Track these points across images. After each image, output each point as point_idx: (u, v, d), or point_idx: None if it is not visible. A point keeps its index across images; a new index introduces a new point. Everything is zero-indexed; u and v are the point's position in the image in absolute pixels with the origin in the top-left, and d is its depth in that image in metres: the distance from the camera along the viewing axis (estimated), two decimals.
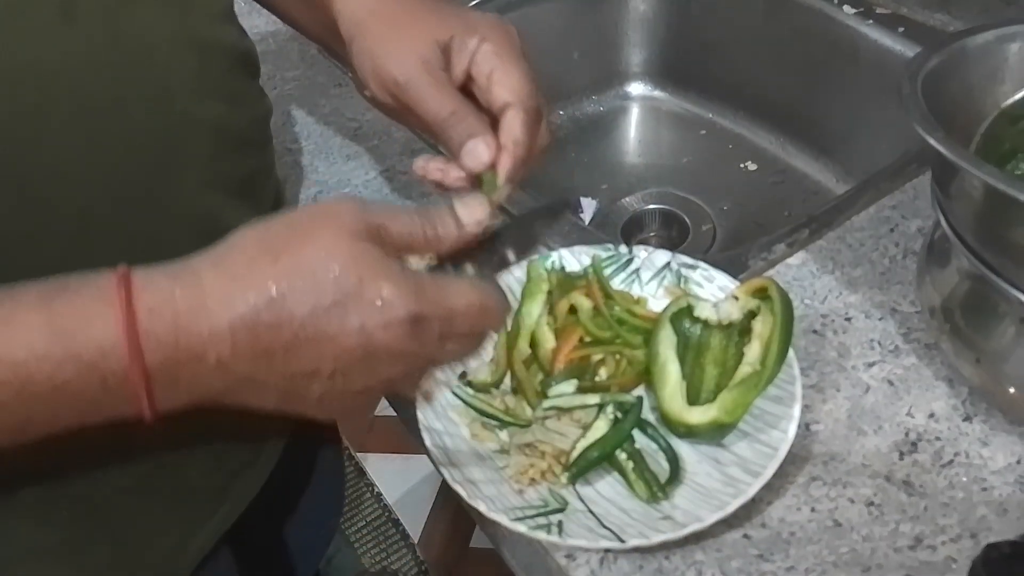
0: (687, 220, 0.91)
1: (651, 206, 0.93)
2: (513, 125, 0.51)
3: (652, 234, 0.93)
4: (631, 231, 0.92)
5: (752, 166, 0.95)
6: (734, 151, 0.97)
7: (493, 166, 0.50)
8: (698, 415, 0.50)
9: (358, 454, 1.58)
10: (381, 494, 1.55)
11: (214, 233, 0.54)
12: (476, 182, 0.51)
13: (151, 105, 0.48)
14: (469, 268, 0.45)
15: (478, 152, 0.50)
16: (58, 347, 0.37)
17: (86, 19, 0.45)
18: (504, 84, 0.52)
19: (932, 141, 0.45)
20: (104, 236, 0.48)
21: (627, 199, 0.94)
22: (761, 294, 0.54)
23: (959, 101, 0.52)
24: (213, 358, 0.38)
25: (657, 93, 1.03)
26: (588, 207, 0.93)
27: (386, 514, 1.51)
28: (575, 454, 0.51)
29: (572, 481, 0.51)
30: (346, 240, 0.39)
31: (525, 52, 0.54)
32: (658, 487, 0.49)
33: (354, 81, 0.61)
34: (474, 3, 0.94)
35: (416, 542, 1.46)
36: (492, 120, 0.53)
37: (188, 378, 0.39)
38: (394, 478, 1.55)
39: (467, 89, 0.54)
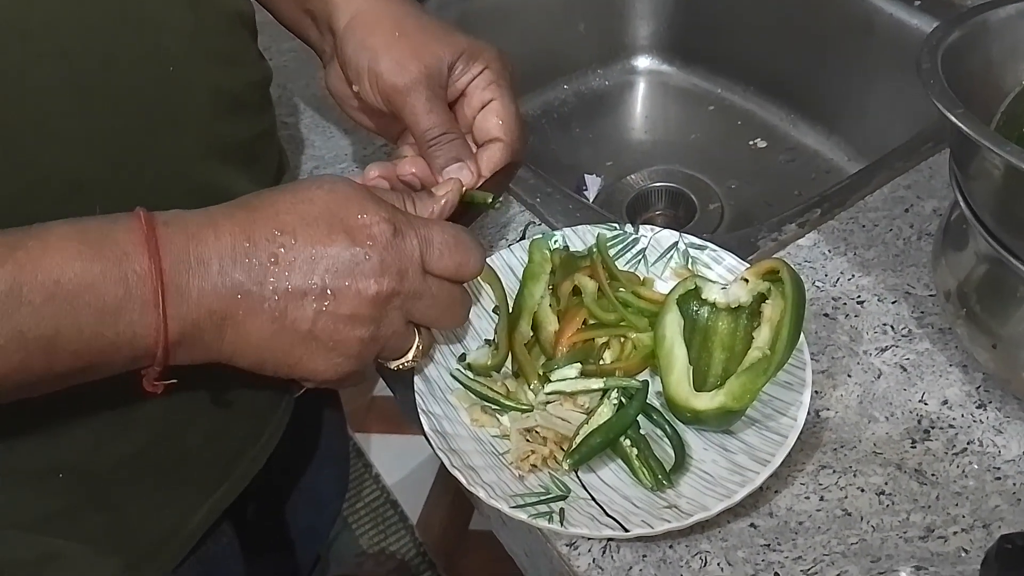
0: (694, 199, 0.89)
1: (657, 184, 0.91)
2: (496, 160, 0.55)
3: (658, 213, 0.91)
4: (636, 209, 0.90)
5: (762, 143, 0.93)
6: (743, 128, 0.95)
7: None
8: (705, 401, 0.49)
9: (357, 434, 1.58)
10: (380, 476, 1.54)
11: (213, 199, 0.53)
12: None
13: (144, 65, 0.47)
14: None
15: (463, 176, 0.54)
16: (87, 250, 0.39)
17: None
18: (498, 118, 0.56)
19: (952, 118, 0.43)
20: (98, 201, 0.47)
21: (632, 176, 0.92)
22: (772, 276, 0.52)
23: (979, 77, 0.50)
24: (216, 265, 0.41)
25: (665, 67, 1.00)
26: (592, 184, 0.91)
27: (384, 495, 1.51)
28: (577, 440, 0.49)
29: (574, 468, 0.49)
30: (339, 182, 0.45)
31: (516, 87, 0.57)
32: (663, 475, 0.48)
33: (328, 76, 0.60)
34: None
35: (415, 524, 1.46)
36: (474, 138, 0.57)
37: (196, 288, 0.41)
38: (393, 459, 1.54)
39: (453, 103, 0.57)
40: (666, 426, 0.51)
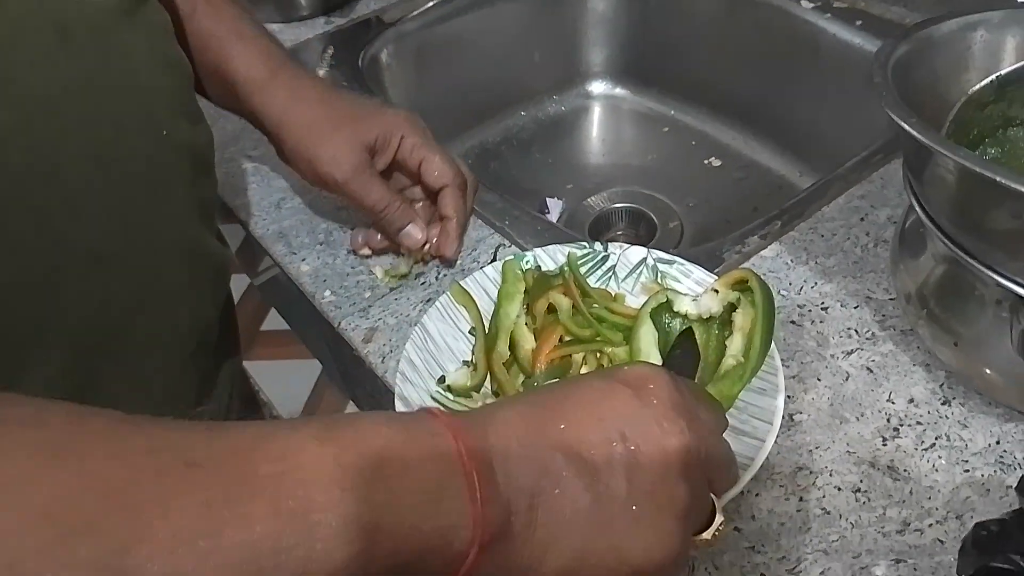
0: (654, 218, 0.91)
1: (617, 205, 0.93)
2: (452, 200, 0.64)
3: (619, 232, 0.93)
4: (598, 230, 0.92)
5: (716, 162, 0.95)
6: (697, 148, 0.97)
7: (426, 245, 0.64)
8: None
9: None
10: None
11: (199, 261, 0.54)
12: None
13: (144, 131, 0.48)
14: None
15: (415, 236, 0.63)
16: (400, 435, 0.33)
17: (80, 42, 0.44)
18: (434, 170, 0.63)
19: (907, 127, 0.45)
20: (110, 271, 0.47)
21: (593, 198, 0.94)
22: (741, 286, 0.54)
23: (926, 89, 0.53)
24: (515, 443, 0.35)
25: (619, 91, 1.03)
26: (555, 207, 0.92)
27: None
28: None
29: None
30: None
31: (431, 136, 0.65)
32: None
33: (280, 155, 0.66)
34: (433, 3, 0.93)
35: None
36: (425, 188, 0.65)
37: (500, 469, 0.34)
38: None
39: (391, 169, 0.65)
40: None
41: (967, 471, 0.50)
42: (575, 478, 0.35)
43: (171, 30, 0.54)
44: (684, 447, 0.37)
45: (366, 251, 0.66)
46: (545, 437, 0.36)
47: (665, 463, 0.36)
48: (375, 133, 0.62)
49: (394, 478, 0.31)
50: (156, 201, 0.50)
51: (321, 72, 0.86)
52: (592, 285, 0.60)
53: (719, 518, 0.40)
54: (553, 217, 0.91)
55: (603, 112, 1.03)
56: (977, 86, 0.52)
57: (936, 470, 0.50)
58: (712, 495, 0.40)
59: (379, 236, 0.65)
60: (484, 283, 0.60)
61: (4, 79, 0.41)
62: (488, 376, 0.56)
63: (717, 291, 0.54)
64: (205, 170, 0.56)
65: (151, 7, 0.50)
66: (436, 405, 0.53)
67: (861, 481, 0.50)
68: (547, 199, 0.93)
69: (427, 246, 0.64)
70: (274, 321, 1.70)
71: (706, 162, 0.96)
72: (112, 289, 0.48)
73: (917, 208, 0.51)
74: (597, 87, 1.03)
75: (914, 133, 0.45)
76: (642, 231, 0.92)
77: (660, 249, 0.61)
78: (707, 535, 0.40)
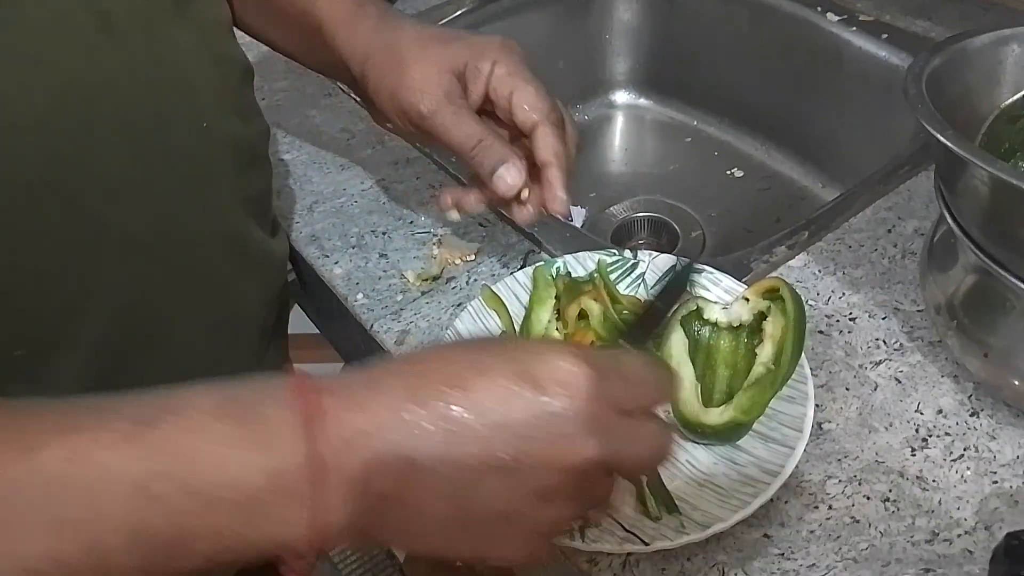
0: (676, 227, 0.92)
1: (640, 214, 0.94)
2: (548, 141, 0.54)
3: (642, 241, 0.94)
4: (621, 239, 0.93)
5: (738, 173, 0.96)
6: (720, 158, 0.98)
7: (523, 191, 0.54)
8: (715, 416, 0.51)
9: None
10: None
11: (243, 252, 0.54)
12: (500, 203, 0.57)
13: (185, 122, 0.49)
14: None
15: (510, 176, 0.53)
16: (231, 433, 0.32)
17: (123, 34, 0.45)
18: (526, 104, 0.55)
19: (942, 139, 0.46)
20: (148, 258, 0.48)
21: (615, 207, 0.95)
22: (771, 294, 0.54)
23: (958, 102, 0.53)
24: (379, 439, 0.33)
25: (642, 101, 1.04)
26: (578, 215, 0.93)
27: None
28: None
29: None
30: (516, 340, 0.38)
31: (533, 66, 0.56)
32: (671, 507, 0.49)
33: (371, 112, 0.62)
34: (460, 12, 0.94)
35: (402, 561, 1.44)
36: (515, 131, 0.56)
37: (359, 468, 0.33)
38: None
39: (484, 109, 0.57)
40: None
41: (995, 482, 0.50)
42: (442, 484, 0.33)
43: (226, 25, 0.55)
44: (581, 463, 0.34)
45: (454, 214, 0.58)
46: (422, 439, 0.33)
47: (553, 480, 0.34)
48: (464, 57, 0.55)
49: (208, 489, 0.31)
50: (196, 191, 0.50)
51: None
52: (622, 292, 0.60)
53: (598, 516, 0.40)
54: (577, 224, 0.92)
55: (625, 122, 1.04)
56: (1009, 100, 0.53)
57: (964, 481, 0.51)
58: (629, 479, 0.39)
59: (473, 197, 0.56)
60: (515, 288, 0.60)
61: (42, 63, 0.42)
62: None
63: (748, 299, 0.55)
64: (254, 164, 0.56)
65: (204, 2, 0.51)
66: None
67: (890, 491, 0.50)
68: (571, 207, 0.93)
69: (526, 192, 0.55)
70: (297, 324, 1.71)
71: (728, 172, 0.96)
72: (149, 276, 0.49)
73: (949, 219, 0.51)
74: (621, 97, 1.04)
75: (950, 144, 0.45)
76: (664, 240, 0.93)
77: (687, 258, 0.62)
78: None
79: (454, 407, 0.33)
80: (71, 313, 0.46)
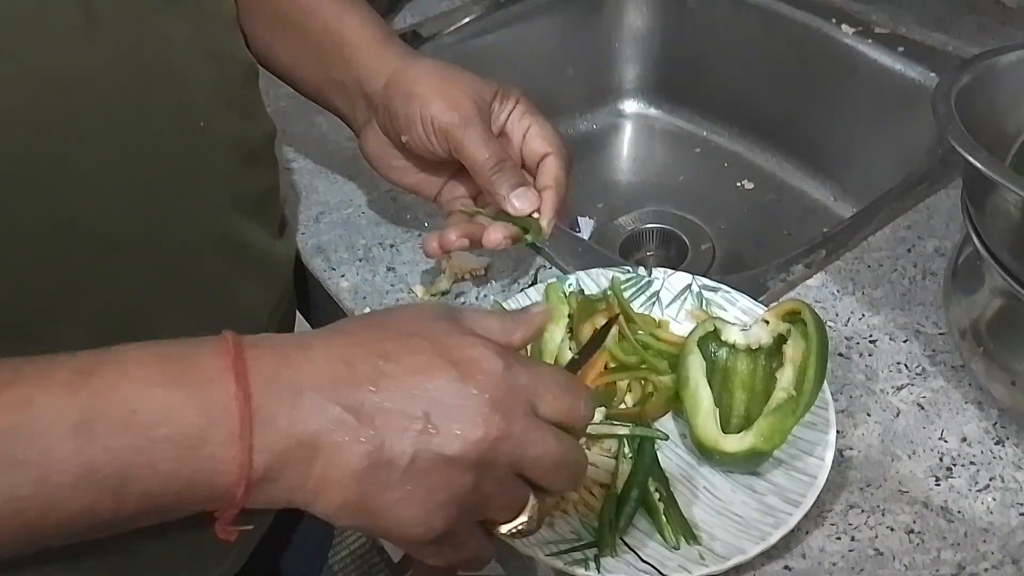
0: (685, 239, 0.90)
1: (648, 225, 0.92)
2: (554, 169, 0.59)
3: (650, 253, 0.92)
4: (629, 250, 0.91)
5: (748, 184, 0.94)
6: (730, 169, 0.96)
7: (533, 213, 0.57)
8: (735, 443, 0.49)
9: None
10: None
11: (238, 253, 0.52)
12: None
13: (174, 118, 0.47)
14: None
15: (529, 198, 0.57)
16: (166, 376, 0.36)
17: (109, 27, 0.43)
18: (541, 137, 0.59)
19: (973, 161, 0.44)
20: (131, 258, 0.46)
21: (623, 218, 0.93)
22: (792, 317, 0.53)
23: (986, 120, 0.52)
24: (310, 391, 0.37)
25: (651, 110, 1.02)
26: (586, 226, 0.91)
27: (370, 542, 1.48)
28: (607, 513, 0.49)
29: (621, 536, 0.48)
30: (441, 311, 0.42)
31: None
32: (689, 535, 0.47)
33: (363, 139, 0.63)
34: (469, 19, 0.92)
35: (397, 561, 1.43)
36: (519, 164, 0.60)
37: (286, 416, 0.36)
38: None
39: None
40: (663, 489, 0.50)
41: (1022, 514, 0.49)
42: (360, 442, 0.37)
43: (227, 21, 0.53)
44: (485, 442, 0.37)
45: (440, 255, 0.61)
46: (346, 396, 0.37)
47: (458, 452, 0.37)
48: (494, 89, 0.59)
49: (146, 426, 0.35)
50: (186, 191, 0.48)
51: None
52: (635, 310, 0.59)
53: (523, 517, 0.41)
54: (585, 235, 0.90)
55: (635, 131, 1.02)
56: None
57: (991, 512, 0.49)
58: (537, 493, 0.41)
59: (453, 236, 0.58)
60: (525, 305, 0.59)
61: (18, 56, 0.40)
62: None
63: (767, 322, 0.53)
64: (254, 163, 0.54)
65: None
66: None
67: (914, 521, 0.49)
68: (578, 218, 0.92)
69: (534, 215, 0.58)
70: None
71: (738, 184, 0.95)
72: (132, 276, 0.47)
73: (976, 240, 0.49)
74: (629, 106, 1.02)
75: (980, 167, 0.44)
76: (673, 252, 0.91)
77: (689, 271, 0.60)
78: (506, 528, 0.41)
79: (383, 376, 0.37)
80: (47, 313, 0.44)
